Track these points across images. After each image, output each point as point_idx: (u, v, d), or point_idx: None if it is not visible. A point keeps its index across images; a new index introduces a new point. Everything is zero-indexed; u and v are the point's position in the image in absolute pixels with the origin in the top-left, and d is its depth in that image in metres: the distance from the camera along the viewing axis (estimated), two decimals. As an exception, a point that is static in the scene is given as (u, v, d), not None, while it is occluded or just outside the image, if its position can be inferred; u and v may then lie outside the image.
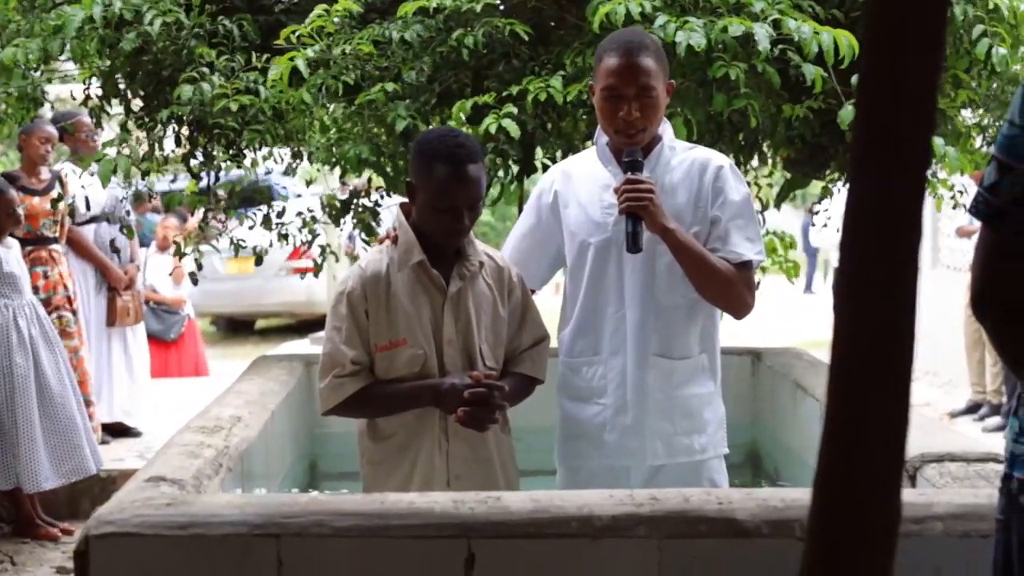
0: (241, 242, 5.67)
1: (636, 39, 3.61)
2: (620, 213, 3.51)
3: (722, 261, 3.57)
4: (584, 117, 5.10)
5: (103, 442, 7.78)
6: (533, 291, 3.83)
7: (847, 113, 4.53)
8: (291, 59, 4.75)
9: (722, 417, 3.78)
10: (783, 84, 4.70)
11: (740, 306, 3.65)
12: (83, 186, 7.21)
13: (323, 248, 5.88)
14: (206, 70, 4.90)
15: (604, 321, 3.69)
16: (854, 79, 4.51)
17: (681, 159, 3.69)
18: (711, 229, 3.62)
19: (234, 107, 4.80)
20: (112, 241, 7.28)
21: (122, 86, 5.43)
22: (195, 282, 5.71)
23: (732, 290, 3.60)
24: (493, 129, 4.58)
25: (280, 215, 5.76)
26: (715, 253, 3.58)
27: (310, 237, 5.83)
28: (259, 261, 5.73)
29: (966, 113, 5.49)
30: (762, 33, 4.41)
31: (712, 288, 3.59)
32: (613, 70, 3.53)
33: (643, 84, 3.52)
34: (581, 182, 3.76)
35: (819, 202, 6.10)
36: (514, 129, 4.57)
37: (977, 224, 2.29)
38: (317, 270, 5.96)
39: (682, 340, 3.68)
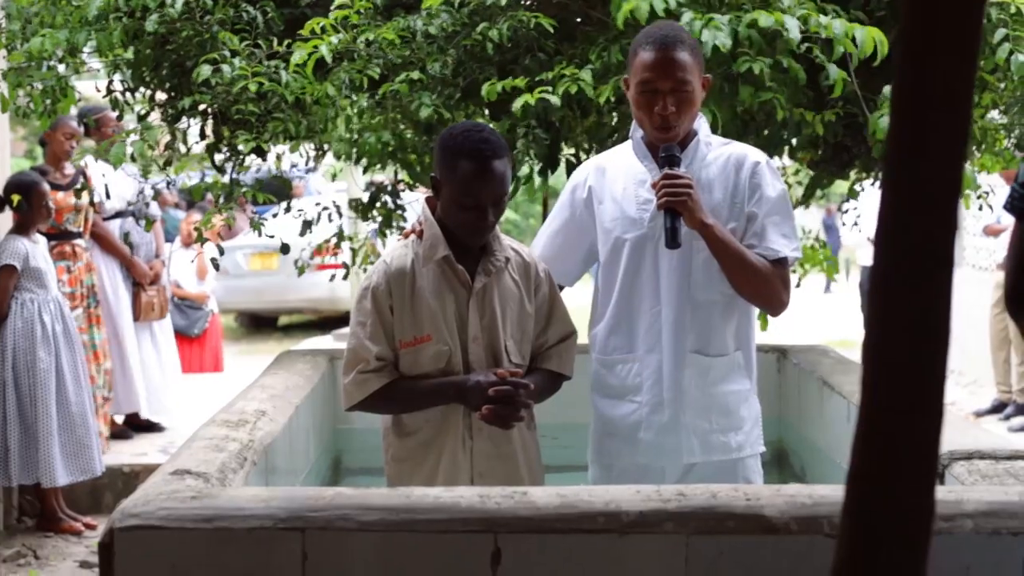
0: (262, 221, 5.66)
1: (672, 33, 3.59)
2: (658, 208, 3.49)
3: (759, 258, 3.56)
4: (610, 114, 5.08)
5: (126, 437, 7.82)
6: (561, 287, 3.81)
7: (878, 121, 4.51)
8: (315, 47, 4.74)
9: (758, 415, 3.76)
10: (808, 82, 4.68)
11: (776, 303, 3.64)
12: (103, 175, 7.23)
13: (354, 251, 5.87)
14: (227, 54, 4.90)
15: (639, 318, 3.66)
16: (886, 90, 4.49)
17: (717, 154, 3.67)
18: (747, 225, 3.60)
19: (253, 88, 4.79)
20: (127, 235, 7.26)
21: (147, 78, 5.43)
22: (216, 267, 5.70)
23: (768, 287, 3.58)
24: (532, 102, 4.54)
25: (310, 225, 5.75)
26: (751, 250, 3.56)
27: (336, 234, 5.82)
28: (285, 249, 5.73)
29: (993, 113, 5.46)
30: (793, 23, 4.38)
31: (749, 285, 3.57)
32: (648, 64, 3.51)
33: (679, 78, 3.50)
34: (616, 177, 3.73)
35: (847, 201, 6.06)
36: (556, 100, 4.53)
37: (1005, 222, 2.28)
38: (347, 272, 5.94)
39: (718, 337, 3.65)
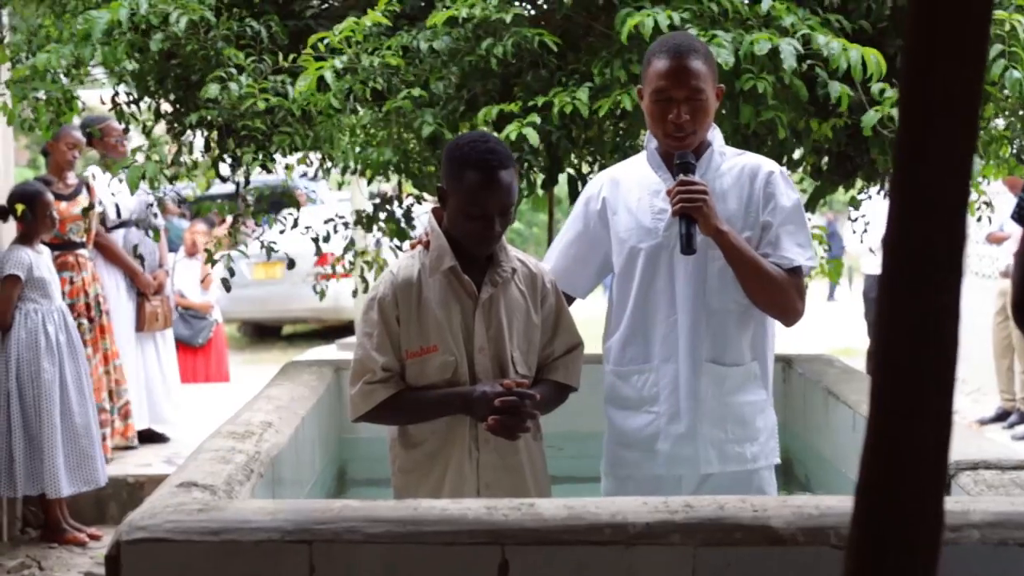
0: (272, 244, 5.67)
1: (686, 42, 3.60)
2: (673, 215, 3.49)
3: (774, 266, 3.56)
4: (611, 128, 5.08)
5: (131, 447, 7.81)
6: (571, 299, 3.80)
7: (869, 118, 4.53)
8: (319, 69, 4.74)
9: (774, 426, 3.75)
10: (810, 97, 4.69)
11: (791, 312, 3.62)
12: (113, 193, 7.23)
13: (367, 263, 5.88)
14: (234, 71, 4.90)
15: (655, 327, 3.66)
16: (875, 88, 4.51)
17: (731, 164, 3.67)
18: (762, 235, 3.60)
19: (261, 106, 4.79)
20: (135, 247, 7.28)
21: (152, 88, 5.44)
22: (228, 288, 5.71)
23: (783, 295, 3.58)
24: (514, 136, 4.56)
25: (326, 239, 5.76)
26: (766, 259, 3.56)
27: (344, 244, 5.84)
28: (291, 265, 5.72)
29: (998, 121, 5.46)
30: (788, 50, 4.41)
31: (763, 293, 3.57)
32: (662, 73, 3.52)
33: (693, 87, 3.51)
34: (630, 188, 3.73)
35: (856, 208, 6.07)
36: (534, 137, 4.56)
37: (1008, 230, 2.27)
38: (366, 285, 5.95)
39: (734, 346, 3.65)
